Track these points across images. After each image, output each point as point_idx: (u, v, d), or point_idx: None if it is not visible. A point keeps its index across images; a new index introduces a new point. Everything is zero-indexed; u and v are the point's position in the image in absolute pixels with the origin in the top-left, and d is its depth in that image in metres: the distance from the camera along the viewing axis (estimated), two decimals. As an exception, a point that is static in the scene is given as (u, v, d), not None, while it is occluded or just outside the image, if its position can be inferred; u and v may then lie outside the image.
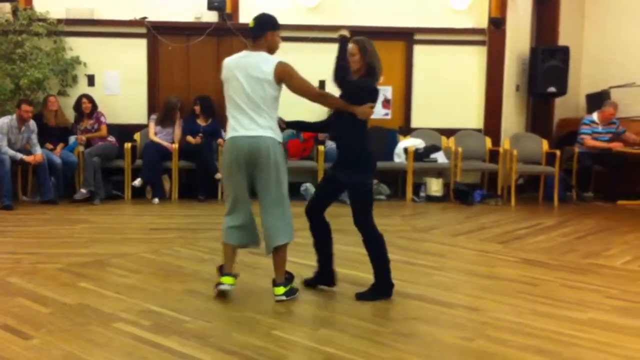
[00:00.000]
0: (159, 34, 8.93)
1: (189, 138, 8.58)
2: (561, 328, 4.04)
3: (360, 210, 4.57)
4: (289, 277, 4.60)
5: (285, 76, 4.34)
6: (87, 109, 8.52)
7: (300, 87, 4.38)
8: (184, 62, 9.07)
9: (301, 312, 4.31)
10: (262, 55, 4.37)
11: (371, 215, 4.61)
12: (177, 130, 8.68)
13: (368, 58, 4.50)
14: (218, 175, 8.42)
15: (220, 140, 8.68)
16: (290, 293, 4.52)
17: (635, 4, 9.96)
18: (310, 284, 4.82)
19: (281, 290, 4.49)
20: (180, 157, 8.53)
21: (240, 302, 4.48)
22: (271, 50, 4.47)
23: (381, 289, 4.57)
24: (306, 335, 3.92)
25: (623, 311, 4.41)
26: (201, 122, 8.74)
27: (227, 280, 4.53)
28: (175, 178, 8.56)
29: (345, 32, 4.48)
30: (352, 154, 4.53)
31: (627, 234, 7.00)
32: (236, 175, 4.47)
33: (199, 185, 8.44)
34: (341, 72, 4.36)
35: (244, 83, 4.33)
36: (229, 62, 4.43)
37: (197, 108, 8.71)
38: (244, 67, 4.34)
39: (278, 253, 4.55)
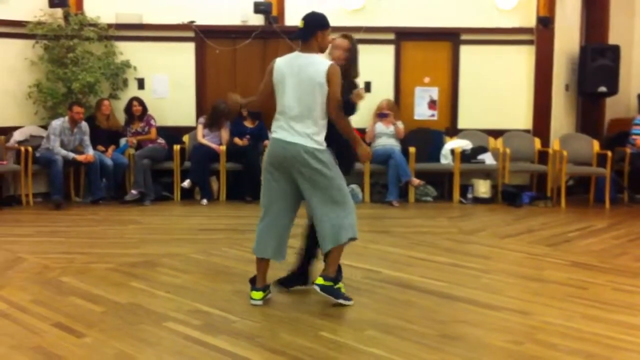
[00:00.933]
0: (206, 38, 9.05)
1: (236, 140, 8.68)
2: (612, 332, 3.97)
3: None
4: (336, 278, 4.52)
5: (331, 79, 4.25)
6: (137, 111, 8.69)
7: (333, 95, 4.26)
8: (230, 65, 9.18)
9: (348, 313, 4.32)
10: (314, 57, 4.31)
11: None
12: (225, 132, 8.78)
13: (352, 56, 4.57)
14: (264, 177, 8.49)
15: (266, 141, 8.75)
16: (330, 291, 4.41)
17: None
18: (284, 284, 4.80)
19: (320, 280, 4.41)
20: (227, 158, 8.63)
21: (287, 302, 4.52)
22: (322, 50, 4.43)
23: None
24: (353, 336, 3.93)
25: (677, 316, 4.32)
26: (248, 124, 8.83)
27: (257, 295, 4.49)
28: (222, 179, 8.66)
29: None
30: None
31: (681, 237, 6.84)
32: (271, 177, 4.42)
33: (246, 186, 8.52)
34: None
35: (294, 87, 4.29)
36: (280, 63, 4.36)
37: (244, 110, 8.79)
38: (296, 70, 4.29)
39: (333, 251, 4.44)
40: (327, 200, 4.39)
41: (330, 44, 4.49)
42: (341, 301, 4.43)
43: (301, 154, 4.27)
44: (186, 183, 8.45)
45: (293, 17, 8.97)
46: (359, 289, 4.83)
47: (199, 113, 9.06)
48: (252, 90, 9.01)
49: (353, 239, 4.48)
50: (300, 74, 4.27)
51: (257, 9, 8.83)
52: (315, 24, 4.36)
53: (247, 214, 7.83)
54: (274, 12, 8.93)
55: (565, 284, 5.02)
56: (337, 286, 4.48)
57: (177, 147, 8.66)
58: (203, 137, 8.73)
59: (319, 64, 4.27)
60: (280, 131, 4.38)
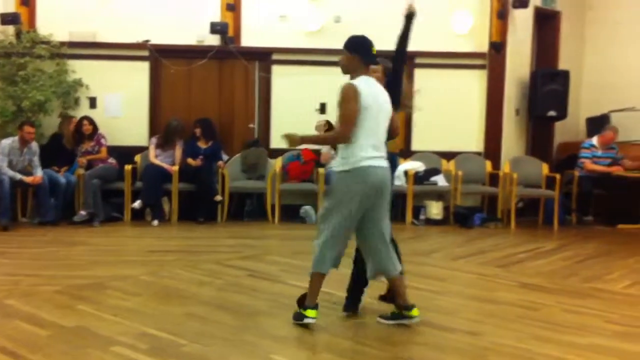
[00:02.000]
0: (161, 57, 8.98)
1: (189, 160, 8.59)
2: (562, 353, 4.01)
3: None
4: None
5: None
6: (87, 130, 8.54)
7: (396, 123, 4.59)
8: (185, 85, 9.11)
9: (302, 335, 4.28)
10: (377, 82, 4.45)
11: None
12: (178, 153, 8.69)
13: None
14: (218, 198, 8.43)
15: (220, 162, 8.70)
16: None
17: (635, 29, 10.01)
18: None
19: (416, 312, 4.47)
20: (180, 179, 8.53)
21: (239, 325, 4.45)
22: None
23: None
24: (306, 359, 3.89)
25: (624, 336, 4.38)
26: (202, 144, 8.76)
27: (313, 314, 4.44)
28: (175, 200, 8.55)
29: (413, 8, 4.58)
30: None
31: (627, 258, 6.98)
32: (360, 205, 4.33)
33: (199, 207, 8.44)
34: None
35: (378, 112, 4.32)
36: (364, 89, 4.29)
37: (198, 130, 8.74)
38: (376, 96, 4.33)
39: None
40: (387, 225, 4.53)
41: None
42: None
43: (388, 177, 4.41)
44: (137, 204, 8.32)
45: (249, 38, 8.99)
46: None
47: (152, 133, 8.96)
48: (207, 111, 9.09)
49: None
50: (379, 98, 4.33)
51: (214, 29, 8.80)
52: (355, 47, 4.50)
53: (200, 235, 7.75)
54: (230, 33, 8.91)
55: (516, 305, 5.07)
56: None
57: (128, 167, 8.53)
58: (155, 157, 8.62)
59: (384, 91, 4.42)
60: (380, 159, 4.34)
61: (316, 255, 4.45)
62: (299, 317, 4.43)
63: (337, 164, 4.39)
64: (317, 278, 4.46)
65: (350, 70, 4.43)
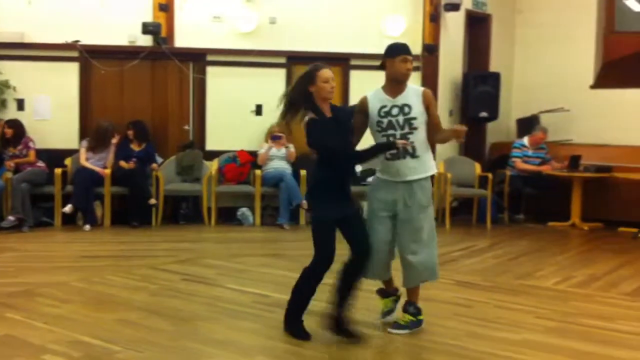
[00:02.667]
0: (91, 58, 8.76)
1: (122, 163, 8.41)
2: (496, 349, 4.09)
3: None
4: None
5: None
6: (7, 134, 8.26)
7: None
8: (117, 86, 8.91)
9: (239, 339, 4.23)
10: None
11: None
12: (110, 155, 8.50)
13: None
14: (152, 201, 8.28)
15: (154, 165, 8.56)
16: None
17: (562, 31, 10.31)
18: None
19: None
20: (112, 182, 8.34)
21: (174, 331, 4.38)
22: (391, 77, 4.40)
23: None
24: (242, 363, 3.86)
25: (554, 331, 4.50)
26: (135, 146, 8.59)
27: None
28: (107, 204, 8.35)
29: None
30: None
31: (557, 255, 7.18)
32: None
33: (133, 211, 8.28)
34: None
35: None
36: None
37: (131, 133, 8.57)
38: None
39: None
40: None
41: (401, 70, 4.37)
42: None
43: None
44: (68, 208, 8.08)
45: (183, 38, 8.86)
46: (249, 314, 4.76)
47: (83, 135, 8.72)
48: (140, 113, 8.92)
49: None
50: None
51: (146, 29, 8.64)
52: (383, 54, 4.43)
53: (133, 239, 7.60)
54: (163, 33, 8.76)
55: (450, 303, 5.15)
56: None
57: (58, 171, 8.28)
58: (86, 160, 8.41)
59: None
60: None
61: (433, 264, 4.45)
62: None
63: (429, 167, 4.45)
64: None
65: None
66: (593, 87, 10.16)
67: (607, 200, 9.05)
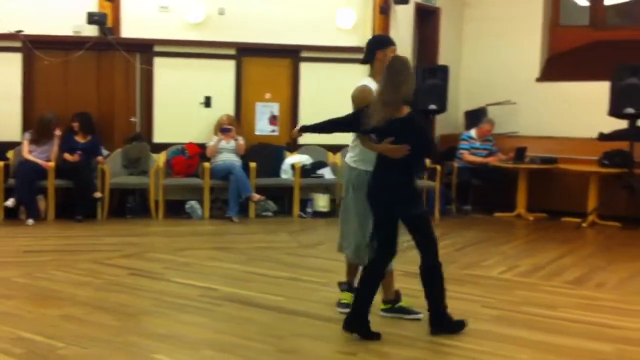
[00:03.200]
0: (35, 48, 8.52)
1: (67, 155, 8.22)
2: (442, 339, 4.13)
3: None
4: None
5: None
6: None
7: None
8: (62, 77, 8.69)
9: (185, 333, 4.18)
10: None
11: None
12: (54, 148, 8.30)
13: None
14: (97, 194, 8.12)
15: (99, 157, 8.39)
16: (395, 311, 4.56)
17: (508, 25, 10.46)
18: None
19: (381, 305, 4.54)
20: (57, 175, 8.14)
21: (119, 326, 4.31)
22: None
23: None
24: (189, 358, 3.81)
25: (500, 320, 4.57)
26: (80, 139, 8.40)
27: None
28: (51, 197, 8.16)
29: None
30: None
31: (503, 245, 7.30)
32: None
33: (78, 205, 8.10)
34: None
35: None
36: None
37: (76, 125, 8.38)
38: None
39: None
40: None
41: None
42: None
43: None
44: (10, 202, 7.87)
45: (129, 29, 8.69)
46: (195, 308, 4.71)
47: (26, 127, 8.48)
48: (85, 104, 8.73)
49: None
50: None
51: (91, 19, 8.45)
52: (373, 45, 4.42)
53: (78, 234, 7.45)
54: (109, 23, 8.58)
55: (399, 294, 5.17)
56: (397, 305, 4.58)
57: (0, 164, 8.06)
58: (29, 152, 8.19)
59: None
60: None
61: None
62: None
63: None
64: None
65: None
66: (539, 80, 10.34)
67: (551, 191, 9.23)
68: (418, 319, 4.47)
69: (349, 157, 4.52)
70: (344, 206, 4.61)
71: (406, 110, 4.16)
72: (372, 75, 4.46)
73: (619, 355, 3.94)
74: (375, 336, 4.10)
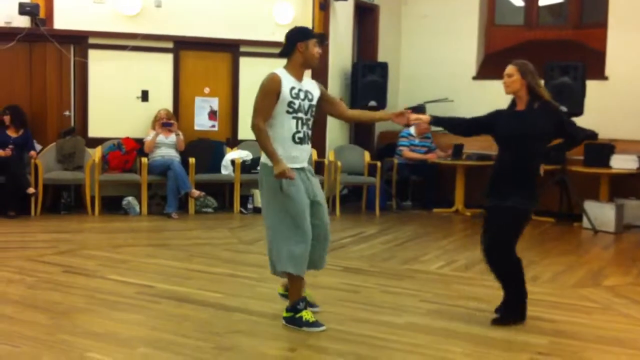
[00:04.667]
0: (-37, 39, 8.24)
1: (-2, 150, 7.98)
2: (379, 333, 4.16)
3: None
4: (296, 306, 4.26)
5: None
6: None
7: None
8: (-8, 69, 8.43)
9: (119, 331, 4.10)
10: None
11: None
12: (-16, 142, 8.04)
13: (529, 80, 4.57)
14: (30, 190, 7.89)
15: (32, 152, 8.15)
16: (294, 322, 4.22)
17: (444, 23, 10.60)
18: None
19: (284, 313, 4.31)
20: (-12, 171, 7.89)
21: (52, 324, 4.19)
22: (307, 61, 4.27)
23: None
24: (124, 356, 3.73)
25: (436, 314, 4.63)
26: (11, 132, 8.14)
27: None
28: (-18, 193, 7.90)
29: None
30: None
31: (441, 240, 7.41)
32: None
33: (10, 200, 7.85)
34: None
35: None
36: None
37: (7, 118, 8.12)
38: None
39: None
40: (265, 222, 4.41)
41: (315, 53, 4.27)
42: (305, 329, 4.18)
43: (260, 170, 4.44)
44: (-62, 198, 7.60)
45: (62, 20, 8.46)
46: (131, 305, 4.62)
47: (-46, 120, 8.20)
48: (16, 97, 8.46)
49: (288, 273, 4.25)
50: None
51: (23, 10, 8.18)
52: (294, 36, 4.26)
53: (10, 230, 7.22)
54: (42, 14, 8.33)
55: (337, 289, 5.20)
56: (297, 315, 4.23)
57: None
58: (-41, 147, 7.91)
59: None
60: None
61: None
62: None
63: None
64: None
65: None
66: (475, 78, 10.52)
67: (488, 187, 9.40)
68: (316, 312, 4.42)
69: (266, 157, 4.25)
70: (281, 214, 4.22)
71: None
72: (288, 67, 4.29)
73: (552, 348, 4.03)
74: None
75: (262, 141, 4.17)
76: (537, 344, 4.09)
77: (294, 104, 4.20)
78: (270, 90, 4.17)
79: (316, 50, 4.29)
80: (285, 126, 4.20)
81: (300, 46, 4.25)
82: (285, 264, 4.18)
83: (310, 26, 9.26)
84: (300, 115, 4.23)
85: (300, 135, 4.24)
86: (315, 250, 4.27)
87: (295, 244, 4.14)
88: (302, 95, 4.26)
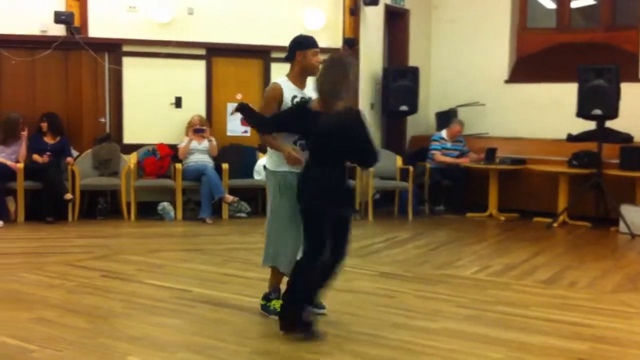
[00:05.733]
0: (1, 47, 8.37)
1: (35, 157, 8.11)
2: (416, 338, 4.15)
3: None
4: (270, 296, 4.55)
5: None
6: None
7: None
8: (29, 77, 8.54)
9: (159, 335, 4.15)
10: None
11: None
12: (22, 149, 8.17)
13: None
14: (68, 196, 8.01)
15: (69, 158, 8.29)
16: (266, 309, 4.53)
17: (476, 26, 10.55)
18: None
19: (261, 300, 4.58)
20: (26, 176, 8.02)
21: (92, 328, 4.26)
22: (305, 69, 4.35)
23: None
24: (162, 359, 3.77)
25: (473, 319, 4.60)
26: (49, 139, 8.29)
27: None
28: (20, 199, 8.03)
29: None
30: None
31: (475, 245, 7.36)
32: None
33: (47, 206, 7.98)
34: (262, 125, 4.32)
35: None
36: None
37: (44, 125, 8.26)
38: None
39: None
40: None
41: (313, 62, 4.36)
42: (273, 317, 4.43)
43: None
44: (-21, 204, 7.76)
45: (97, 28, 8.59)
46: (168, 310, 4.68)
47: (-7, 128, 8.35)
48: (53, 105, 8.60)
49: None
50: None
51: (58, 18, 8.33)
52: (293, 45, 4.37)
53: (48, 235, 7.34)
54: (76, 23, 8.47)
55: (373, 294, 5.20)
56: (269, 304, 4.53)
57: (-33, 165, 7.92)
58: (-3, 154, 8.07)
59: None
60: None
61: None
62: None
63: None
64: None
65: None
66: (507, 81, 10.45)
67: (522, 191, 9.32)
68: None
69: (269, 162, 4.44)
70: (276, 215, 4.41)
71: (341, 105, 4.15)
72: (290, 75, 4.40)
73: (592, 354, 3.99)
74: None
75: (267, 141, 4.36)
76: (577, 349, 4.05)
77: None
78: (270, 98, 4.35)
79: (315, 59, 4.35)
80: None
81: (298, 55, 4.35)
82: (271, 260, 4.47)
83: (340, 31, 9.36)
84: None
85: (303, 141, 4.32)
86: None
87: (283, 244, 4.37)
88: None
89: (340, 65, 4.17)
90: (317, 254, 4.12)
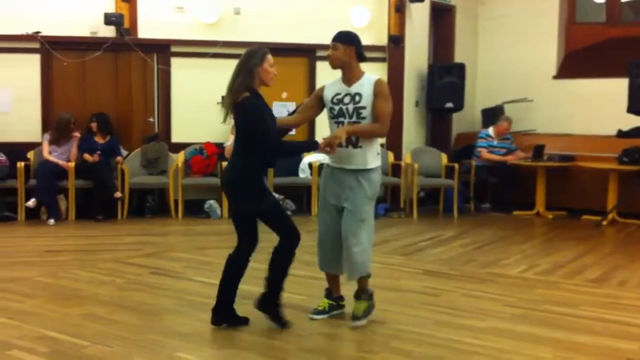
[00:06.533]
0: (53, 49, 8.60)
1: (86, 156, 8.30)
2: (462, 337, 4.13)
3: None
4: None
5: None
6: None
7: None
8: (80, 78, 8.76)
9: (206, 332, 4.22)
10: None
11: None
12: (73, 148, 8.38)
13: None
14: (117, 194, 8.18)
15: (119, 158, 8.46)
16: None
17: (523, 22, 10.42)
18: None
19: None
20: (77, 175, 8.22)
21: (142, 324, 4.34)
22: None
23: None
24: (211, 355, 3.85)
25: (520, 318, 4.56)
26: (99, 139, 8.48)
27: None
28: (71, 198, 8.24)
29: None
30: None
31: (522, 243, 7.27)
32: None
33: (97, 204, 8.17)
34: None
35: None
36: None
37: (94, 125, 8.45)
38: None
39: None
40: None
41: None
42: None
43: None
44: (31, 202, 7.96)
45: (145, 29, 8.75)
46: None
47: (45, 128, 8.57)
48: (103, 105, 8.79)
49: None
50: None
51: (108, 20, 8.51)
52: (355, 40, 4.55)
53: (99, 233, 7.50)
54: (126, 24, 8.65)
55: (418, 292, 5.19)
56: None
57: (20, 164, 8.14)
58: (49, 153, 8.27)
59: None
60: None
61: (365, 257, 4.34)
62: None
63: (370, 160, 4.39)
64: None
65: (347, 64, 4.42)
66: (556, 77, 10.29)
67: (570, 189, 9.18)
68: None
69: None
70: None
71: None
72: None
73: (642, 354, 3.92)
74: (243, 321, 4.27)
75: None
76: (626, 349, 3.98)
77: (334, 110, 4.39)
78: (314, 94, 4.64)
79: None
80: (330, 130, 4.42)
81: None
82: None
83: (386, 28, 9.34)
84: (341, 119, 4.37)
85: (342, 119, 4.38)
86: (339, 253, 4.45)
87: (318, 241, 4.56)
88: (346, 99, 4.36)
89: (241, 57, 4.21)
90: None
